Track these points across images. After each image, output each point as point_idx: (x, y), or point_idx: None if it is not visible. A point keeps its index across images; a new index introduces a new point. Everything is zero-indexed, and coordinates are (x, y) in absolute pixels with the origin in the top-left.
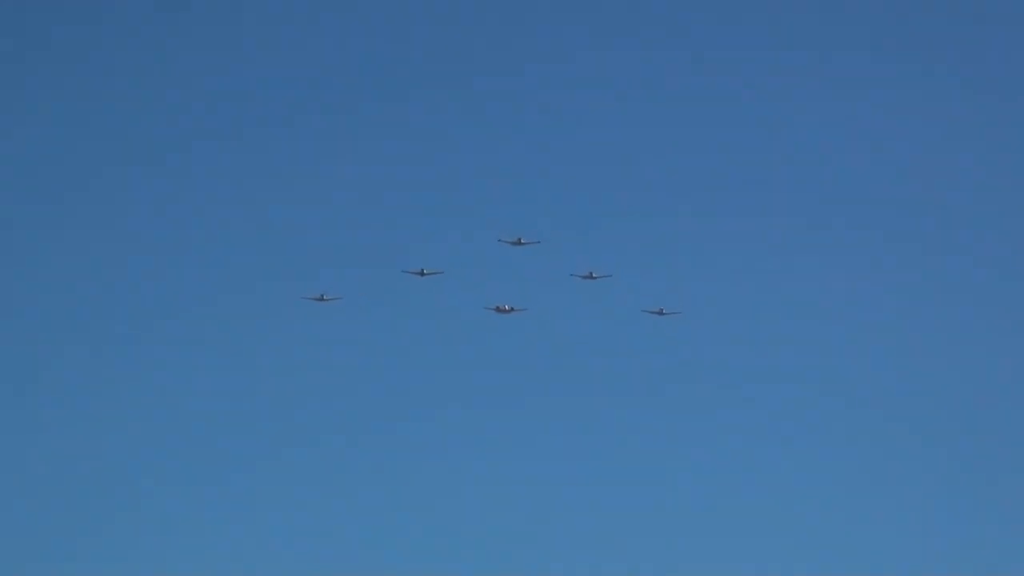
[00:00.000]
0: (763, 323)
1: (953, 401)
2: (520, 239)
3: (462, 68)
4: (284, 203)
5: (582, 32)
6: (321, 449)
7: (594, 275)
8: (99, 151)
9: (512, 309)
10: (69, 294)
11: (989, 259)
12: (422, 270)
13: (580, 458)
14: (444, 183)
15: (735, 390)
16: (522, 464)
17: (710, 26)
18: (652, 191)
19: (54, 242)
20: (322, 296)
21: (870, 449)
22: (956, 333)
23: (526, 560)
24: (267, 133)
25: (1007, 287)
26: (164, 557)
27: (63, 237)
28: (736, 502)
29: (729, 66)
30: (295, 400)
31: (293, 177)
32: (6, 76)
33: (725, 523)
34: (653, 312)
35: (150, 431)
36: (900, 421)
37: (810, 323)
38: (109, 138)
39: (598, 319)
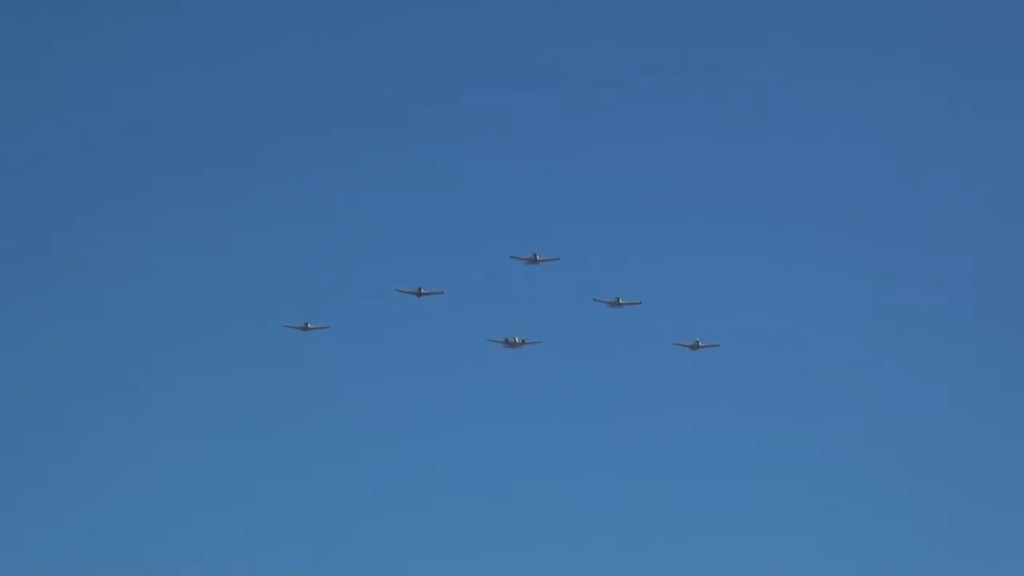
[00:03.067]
0: (811, 360)
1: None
2: (535, 256)
3: (473, 67)
4: (261, 213)
5: (611, 30)
6: (294, 508)
7: (621, 301)
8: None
9: (522, 342)
10: (43, 314)
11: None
12: (419, 289)
13: (598, 517)
14: (447, 188)
15: (777, 437)
16: (530, 523)
17: (751, 37)
18: (689, 204)
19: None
20: (306, 324)
21: (923, 485)
22: (997, 364)
23: None
24: (249, 136)
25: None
26: None
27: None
28: (778, 551)
29: (773, 80)
30: (270, 445)
31: (271, 184)
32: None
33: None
34: (686, 345)
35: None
36: (951, 451)
37: (865, 360)
38: (89, 149)
39: (623, 354)
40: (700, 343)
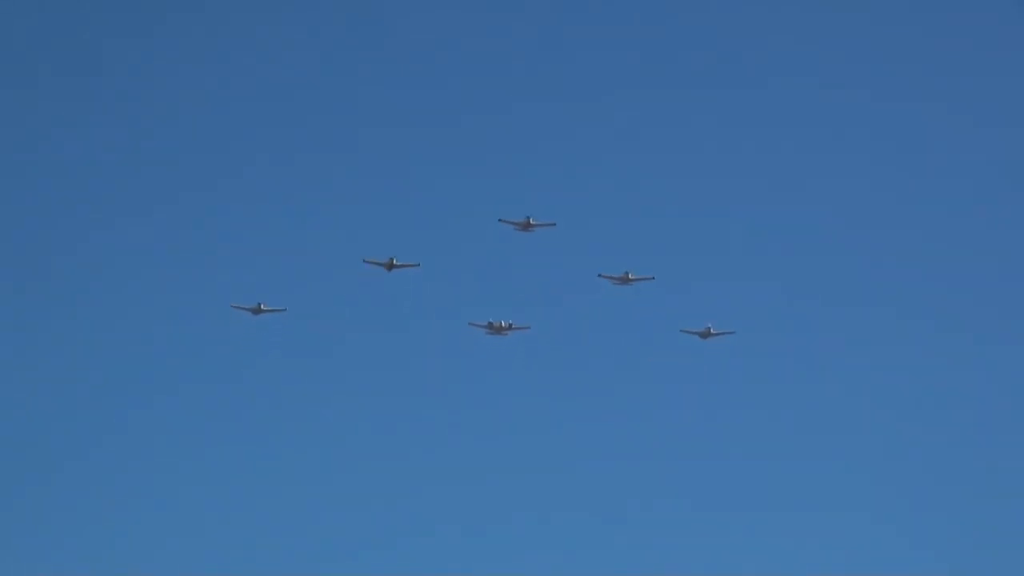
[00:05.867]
0: (832, 357)
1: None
2: (529, 220)
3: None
4: (210, 175)
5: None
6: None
7: (631, 277)
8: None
9: (510, 327)
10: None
11: None
12: (391, 260)
13: (591, 521)
14: (422, 140)
15: (794, 438)
16: (518, 525)
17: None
18: (714, 160)
19: None
20: (259, 306)
21: (935, 481)
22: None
23: None
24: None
25: None
26: None
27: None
28: (788, 550)
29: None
30: (222, 441)
31: (220, 143)
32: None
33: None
34: (695, 333)
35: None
36: (960, 450)
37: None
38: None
39: (627, 342)
40: (712, 330)
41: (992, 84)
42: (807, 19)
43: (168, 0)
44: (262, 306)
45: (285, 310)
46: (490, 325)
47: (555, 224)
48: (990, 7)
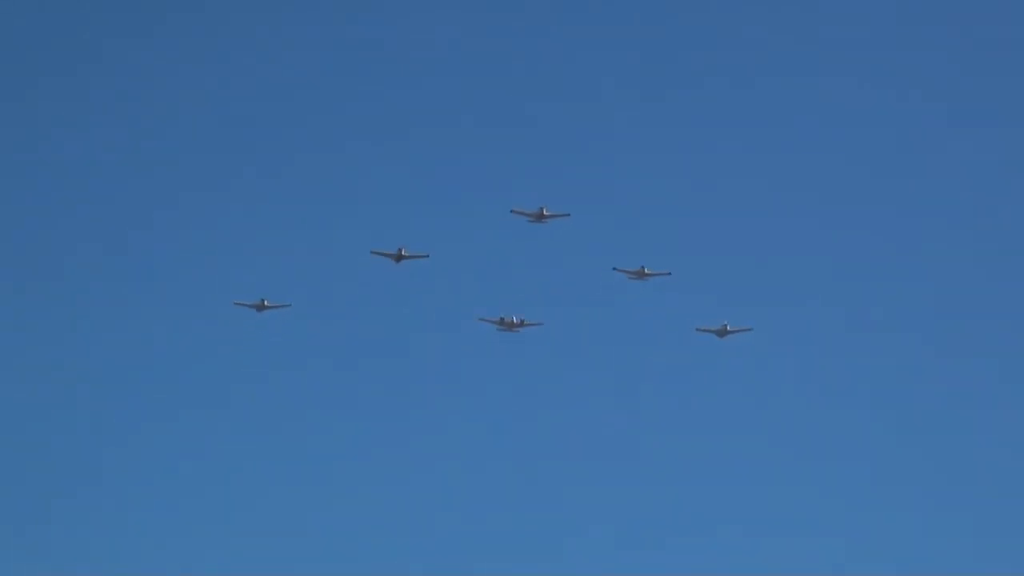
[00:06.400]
0: (851, 353)
1: None
2: (543, 210)
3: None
4: (210, 175)
5: None
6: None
7: (647, 272)
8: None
9: (522, 323)
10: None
11: None
12: (400, 251)
13: (602, 525)
14: (432, 125)
15: (807, 437)
16: (527, 532)
17: None
18: (729, 161)
19: None
20: (262, 302)
21: (952, 481)
22: None
23: None
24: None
25: None
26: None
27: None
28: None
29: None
30: (224, 443)
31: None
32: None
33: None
34: (711, 331)
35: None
36: (973, 451)
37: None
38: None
39: (645, 339)
40: (729, 327)
41: (993, 84)
42: (834, 13)
43: (168, 0)
44: (266, 302)
45: (290, 306)
46: (501, 321)
47: (569, 215)
48: (990, 7)
